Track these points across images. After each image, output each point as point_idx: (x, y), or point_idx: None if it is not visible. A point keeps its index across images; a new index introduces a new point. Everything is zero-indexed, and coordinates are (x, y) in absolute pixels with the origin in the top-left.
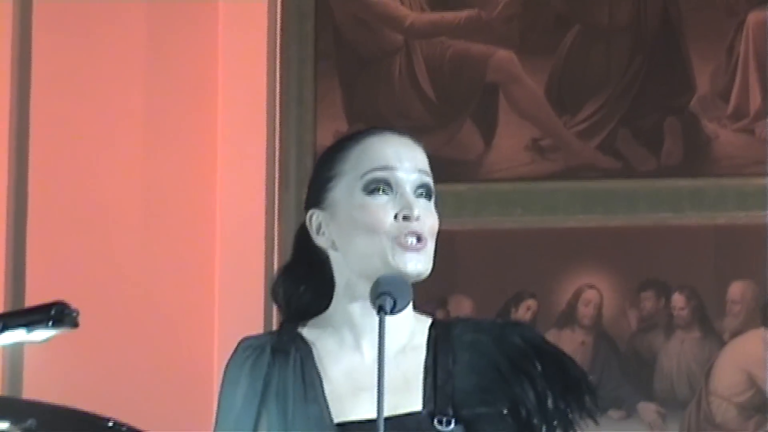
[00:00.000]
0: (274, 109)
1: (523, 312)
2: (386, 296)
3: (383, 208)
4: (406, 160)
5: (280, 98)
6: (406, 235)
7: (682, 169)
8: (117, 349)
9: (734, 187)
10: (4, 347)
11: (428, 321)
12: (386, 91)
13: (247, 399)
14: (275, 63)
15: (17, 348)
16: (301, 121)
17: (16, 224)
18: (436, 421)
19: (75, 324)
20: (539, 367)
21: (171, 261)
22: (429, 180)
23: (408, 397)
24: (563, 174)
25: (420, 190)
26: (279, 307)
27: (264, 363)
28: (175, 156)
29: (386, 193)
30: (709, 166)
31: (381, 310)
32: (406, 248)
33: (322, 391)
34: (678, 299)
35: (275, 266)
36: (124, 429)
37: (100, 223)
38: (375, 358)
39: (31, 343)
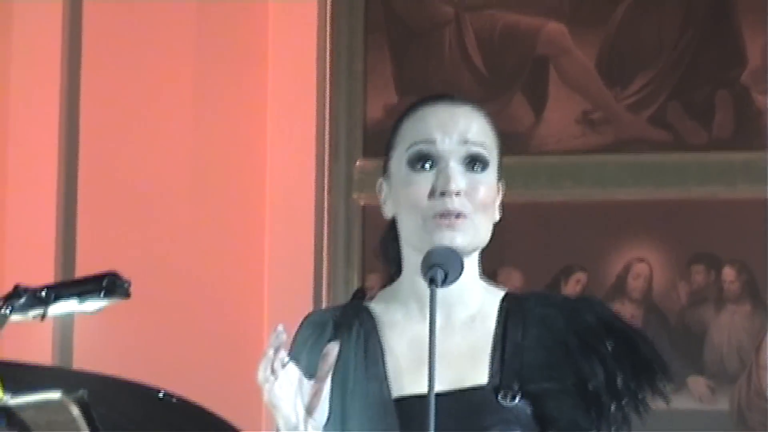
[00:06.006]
0: (324, 82)
1: (573, 285)
2: (437, 268)
3: (423, 185)
4: (452, 132)
5: (330, 70)
6: (440, 215)
7: (733, 142)
8: (167, 320)
9: None
10: (56, 318)
11: (501, 293)
12: (436, 63)
13: (308, 376)
14: (325, 35)
15: (68, 319)
16: (351, 93)
17: (66, 196)
18: (500, 396)
19: (127, 294)
20: (610, 346)
21: (221, 233)
22: (479, 150)
23: (473, 369)
24: (613, 147)
25: (470, 161)
26: (389, 265)
27: (325, 339)
28: (225, 129)
29: (430, 168)
30: (760, 139)
31: (432, 283)
32: (442, 225)
33: (384, 366)
34: (728, 273)
35: (325, 238)
36: (174, 400)
37: (150, 195)
38: (440, 327)
39: (83, 313)
